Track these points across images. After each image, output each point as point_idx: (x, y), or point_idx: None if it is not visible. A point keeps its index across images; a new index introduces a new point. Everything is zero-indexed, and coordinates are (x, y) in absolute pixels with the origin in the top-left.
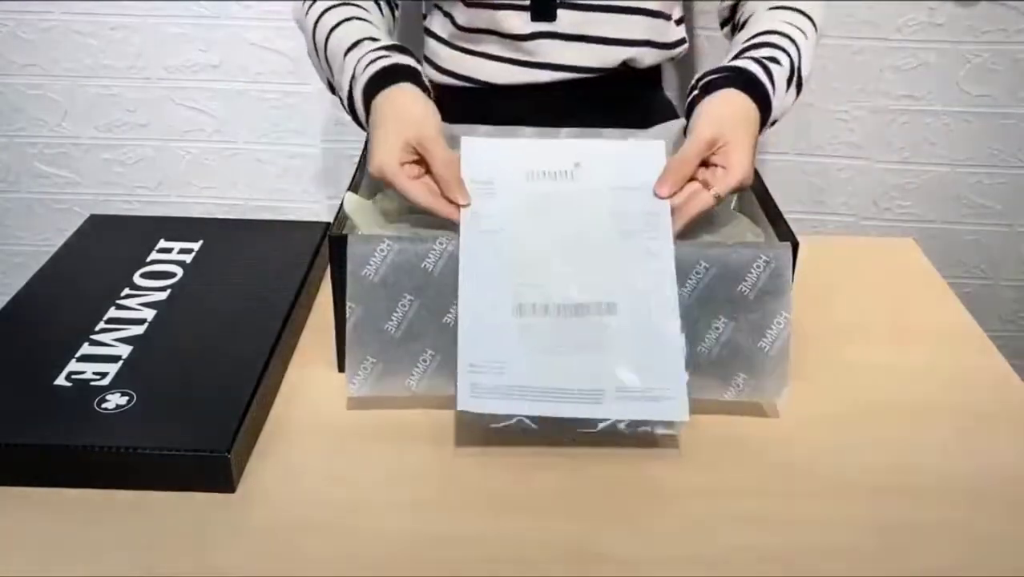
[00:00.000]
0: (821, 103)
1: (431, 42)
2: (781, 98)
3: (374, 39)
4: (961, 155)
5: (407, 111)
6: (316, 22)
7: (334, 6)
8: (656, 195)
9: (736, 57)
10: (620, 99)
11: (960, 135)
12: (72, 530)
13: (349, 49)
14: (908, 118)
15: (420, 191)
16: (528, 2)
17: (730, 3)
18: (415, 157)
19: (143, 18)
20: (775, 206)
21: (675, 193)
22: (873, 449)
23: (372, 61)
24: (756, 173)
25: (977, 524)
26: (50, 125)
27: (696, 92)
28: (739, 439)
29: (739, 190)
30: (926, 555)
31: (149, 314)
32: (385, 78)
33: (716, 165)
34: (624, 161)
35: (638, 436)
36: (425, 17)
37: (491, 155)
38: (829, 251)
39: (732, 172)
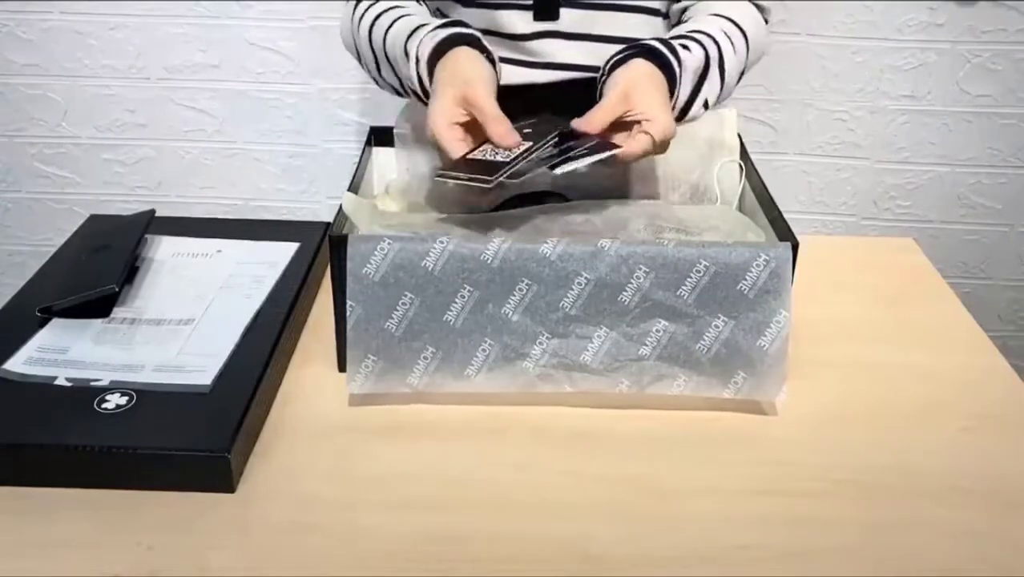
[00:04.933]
0: (821, 103)
1: None
2: (690, 81)
3: (425, 24)
4: (961, 155)
5: (458, 70)
6: (370, 38)
7: (381, 13)
8: (579, 129)
9: None
10: None
11: (960, 135)
12: (72, 530)
13: (407, 40)
14: (908, 118)
15: (460, 151)
16: (530, 1)
17: (681, 6)
18: (466, 117)
19: (143, 18)
20: (775, 206)
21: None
22: (873, 449)
23: (430, 39)
24: (756, 173)
25: (977, 524)
26: (50, 125)
27: (603, 77)
28: (738, 437)
29: (665, 140)
30: (925, 555)
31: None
32: (441, 49)
33: (639, 120)
34: None
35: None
36: None
37: None
38: (829, 251)
39: (657, 120)
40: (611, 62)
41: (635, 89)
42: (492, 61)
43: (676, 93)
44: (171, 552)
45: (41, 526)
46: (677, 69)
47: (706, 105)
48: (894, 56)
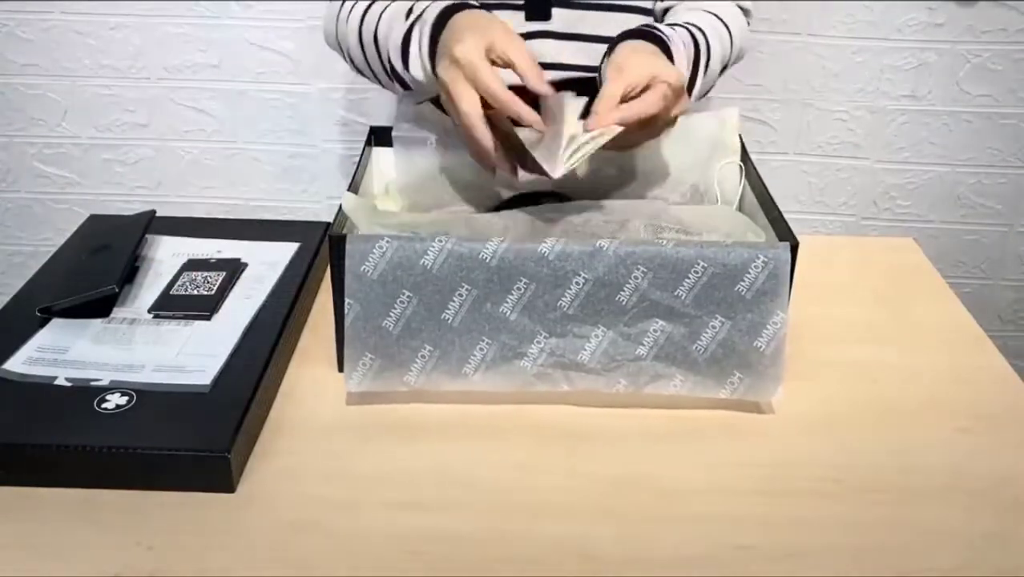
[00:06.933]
0: (821, 103)
1: None
2: (683, 53)
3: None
4: (961, 155)
5: (483, 21)
6: (360, 27)
7: (374, 2)
8: (588, 129)
9: None
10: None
11: (960, 135)
12: (72, 530)
13: (410, 10)
14: (908, 118)
15: (501, 85)
16: (522, 1)
17: (663, 6)
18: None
19: (143, 18)
20: (775, 206)
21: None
22: (872, 449)
23: (436, 3)
24: (756, 173)
25: (977, 524)
26: (50, 125)
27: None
28: (737, 437)
29: (680, 85)
30: (925, 555)
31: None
32: (453, 9)
33: (652, 84)
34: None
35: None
36: None
37: None
38: (829, 251)
39: (662, 72)
40: (601, 62)
41: (627, 60)
42: None
43: (674, 57)
44: (171, 552)
45: (41, 526)
46: (663, 34)
47: (707, 68)
48: (894, 56)
